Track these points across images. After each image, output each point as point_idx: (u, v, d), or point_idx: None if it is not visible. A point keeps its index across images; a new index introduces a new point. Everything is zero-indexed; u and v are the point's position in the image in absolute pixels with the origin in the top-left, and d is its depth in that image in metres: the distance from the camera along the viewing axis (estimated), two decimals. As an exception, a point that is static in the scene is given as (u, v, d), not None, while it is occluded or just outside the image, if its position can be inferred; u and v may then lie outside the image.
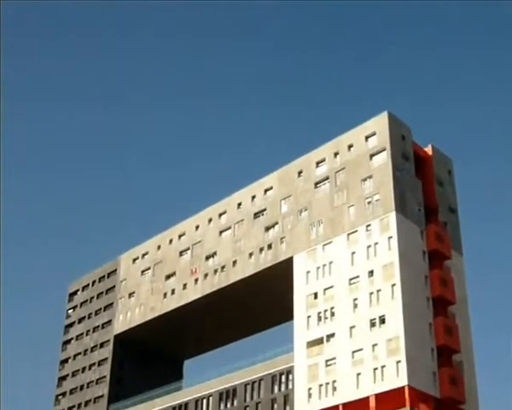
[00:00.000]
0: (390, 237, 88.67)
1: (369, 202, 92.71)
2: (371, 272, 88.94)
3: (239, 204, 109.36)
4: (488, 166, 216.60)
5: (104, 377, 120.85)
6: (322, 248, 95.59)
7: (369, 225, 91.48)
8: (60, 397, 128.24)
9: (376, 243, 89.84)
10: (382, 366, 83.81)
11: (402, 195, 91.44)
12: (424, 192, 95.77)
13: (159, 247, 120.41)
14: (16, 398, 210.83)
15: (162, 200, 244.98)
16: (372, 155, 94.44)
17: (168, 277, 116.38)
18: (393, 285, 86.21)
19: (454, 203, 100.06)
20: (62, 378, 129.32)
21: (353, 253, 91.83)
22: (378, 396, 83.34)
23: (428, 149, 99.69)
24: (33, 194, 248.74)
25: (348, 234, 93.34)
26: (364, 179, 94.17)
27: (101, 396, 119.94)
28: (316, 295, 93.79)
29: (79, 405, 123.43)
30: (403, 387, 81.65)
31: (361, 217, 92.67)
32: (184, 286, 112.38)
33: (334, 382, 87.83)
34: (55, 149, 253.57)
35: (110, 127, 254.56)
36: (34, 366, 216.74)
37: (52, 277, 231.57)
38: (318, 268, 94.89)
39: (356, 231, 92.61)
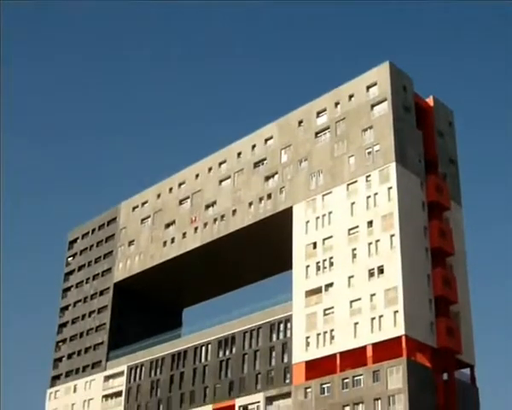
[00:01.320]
0: (390, 188, 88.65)
1: (369, 153, 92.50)
2: (370, 223, 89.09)
3: (239, 153, 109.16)
4: (489, 118, 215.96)
5: (104, 324, 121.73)
6: (321, 199, 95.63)
7: (368, 176, 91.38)
8: (60, 344, 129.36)
9: (376, 194, 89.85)
10: (380, 316, 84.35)
11: (402, 145, 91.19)
12: (424, 143, 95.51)
13: (158, 195, 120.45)
14: (17, 345, 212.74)
15: (162, 148, 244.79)
16: (373, 106, 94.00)
17: (168, 225, 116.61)
18: (392, 236, 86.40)
19: (454, 155, 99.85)
20: (62, 325, 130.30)
21: (353, 203, 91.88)
22: (375, 346, 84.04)
23: (430, 100, 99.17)
24: (33, 142, 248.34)
25: (348, 184, 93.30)
26: (365, 130, 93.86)
27: (101, 343, 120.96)
28: (315, 245, 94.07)
29: (79, 351, 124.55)
30: (400, 337, 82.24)
31: (361, 167, 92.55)
32: (184, 235, 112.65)
33: (331, 331, 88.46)
34: (55, 94, 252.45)
35: (109, 74, 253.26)
36: (35, 313, 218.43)
37: (52, 225, 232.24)
38: (318, 218, 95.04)
39: (356, 181, 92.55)
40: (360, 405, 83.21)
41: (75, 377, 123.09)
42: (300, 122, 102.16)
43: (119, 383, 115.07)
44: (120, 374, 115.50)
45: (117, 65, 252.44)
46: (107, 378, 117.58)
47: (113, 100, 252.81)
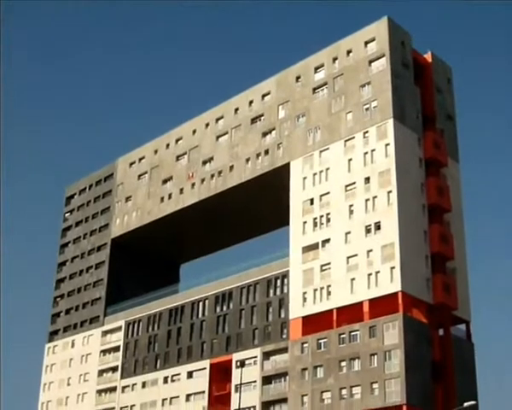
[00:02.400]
0: (387, 144, 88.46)
1: (366, 109, 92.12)
2: (367, 179, 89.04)
3: (236, 109, 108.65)
4: (487, 74, 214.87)
5: (101, 279, 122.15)
6: (318, 155, 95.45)
7: (366, 132, 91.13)
8: (58, 299, 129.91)
9: (373, 150, 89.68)
10: (377, 272, 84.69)
11: (400, 102, 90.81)
12: (422, 99, 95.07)
13: (155, 151, 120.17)
14: (16, 300, 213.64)
15: (159, 104, 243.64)
16: (371, 61, 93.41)
17: (165, 181, 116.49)
18: (389, 192, 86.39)
19: (452, 111, 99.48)
20: (60, 281, 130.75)
21: (350, 159, 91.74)
22: (372, 301, 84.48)
23: (428, 56, 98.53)
24: (31, 92, 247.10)
25: (345, 140, 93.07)
26: (363, 85, 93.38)
27: (99, 299, 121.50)
28: (312, 201, 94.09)
29: (77, 307, 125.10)
30: (396, 292, 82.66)
31: (358, 123, 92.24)
32: (181, 191, 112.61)
33: (328, 286, 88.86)
34: (54, 42, 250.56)
35: (109, 25, 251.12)
36: (32, 268, 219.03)
37: (49, 180, 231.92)
38: (315, 174, 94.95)
39: (353, 137, 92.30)
40: (356, 360, 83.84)
41: (73, 332, 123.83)
42: (298, 78, 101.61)
43: (117, 339, 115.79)
44: (118, 329, 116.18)
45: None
46: (104, 333, 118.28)
47: (112, 56, 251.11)
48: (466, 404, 50.96)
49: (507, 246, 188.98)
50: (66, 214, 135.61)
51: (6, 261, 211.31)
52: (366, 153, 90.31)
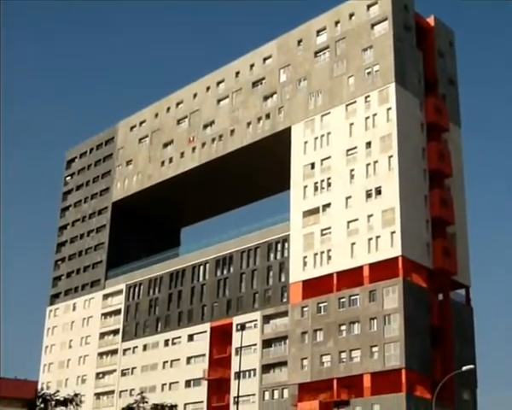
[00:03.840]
0: (389, 109, 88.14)
1: (368, 73, 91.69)
2: (369, 144, 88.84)
3: (237, 73, 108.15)
4: (489, 39, 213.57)
5: (102, 243, 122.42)
6: (320, 119, 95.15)
7: (368, 96, 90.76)
8: (59, 263, 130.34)
9: (375, 115, 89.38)
10: (377, 237, 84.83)
11: (402, 66, 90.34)
12: (424, 64, 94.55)
13: (156, 115, 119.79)
14: (18, 263, 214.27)
15: (160, 67, 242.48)
16: (373, 25, 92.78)
17: (165, 145, 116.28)
18: (390, 157, 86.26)
19: (454, 76, 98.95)
20: (61, 244, 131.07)
21: (351, 124, 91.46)
22: (372, 266, 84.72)
23: (430, 20, 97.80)
24: (31, 55, 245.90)
25: (347, 105, 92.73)
26: (365, 49, 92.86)
27: (100, 262, 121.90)
28: (313, 166, 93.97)
29: (78, 270, 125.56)
30: (396, 257, 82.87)
31: (360, 88, 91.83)
32: (182, 155, 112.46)
33: (328, 251, 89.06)
34: (53, 12, 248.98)
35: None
36: (33, 232, 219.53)
37: (50, 144, 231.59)
38: (316, 139, 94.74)
39: (355, 101, 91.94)
40: (356, 324, 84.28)
41: (74, 295, 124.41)
42: (300, 41, 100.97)
43: (118, 302, 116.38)
44: (119, 293, 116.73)
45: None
46: (105, 297, 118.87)
47: (113, 18, 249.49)
48: (464, 368, 51.29)
49: (507, 211, 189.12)
50: (67, 178, 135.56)
51: (7, 225, 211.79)
52: (367, 117, 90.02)
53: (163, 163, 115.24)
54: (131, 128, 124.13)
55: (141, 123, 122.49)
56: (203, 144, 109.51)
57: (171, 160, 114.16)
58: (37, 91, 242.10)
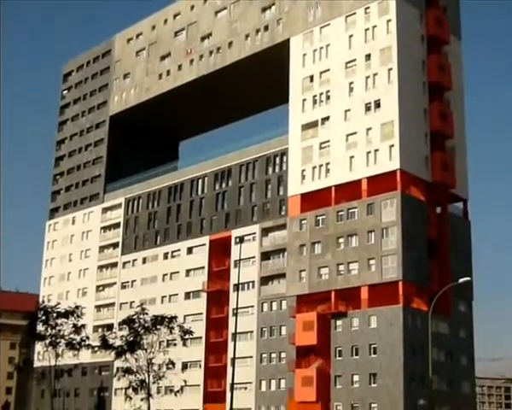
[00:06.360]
0: (389, 21, 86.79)
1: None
2: (368, 56, 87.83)
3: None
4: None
5: (101, 157, 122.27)
6: (319, 31, 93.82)
7: (367, 8, 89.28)
8: (57, 177, 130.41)
9: (375, 27, 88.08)
10: (375, 150, 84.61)
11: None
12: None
13: (153, 27, 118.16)
14: (17, 176, 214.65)
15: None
16: None
17: (163, 58, 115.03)
18: (390, 70, 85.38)
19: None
20: (59, 159, 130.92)
21: (351, 36, 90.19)
22: (370, 179, 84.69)
23: None
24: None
25: (346, 16, 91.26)
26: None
27: (98, 176, 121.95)
28: (312, 78, 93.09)
29: (77, 184, 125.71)
30: (395, 170, 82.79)
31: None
32: (179, 67, 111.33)
33: (327, 164, 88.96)
34: None
35: None
36: (32, 146, 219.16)
37: (46, 57, 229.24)
38: (315, 51, 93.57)
39: (354, 13, 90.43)
40: (354, 237, 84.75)
41: (73, 209, 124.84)
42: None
43: (117, 215, 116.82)
44: (118, 206, 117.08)
45: None
46: (104, 210, 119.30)
47: None
48: (461, 280, 51.55)
49: (506, 125, 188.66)
50: (64, 92, 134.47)
51: (6, 139, 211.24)
52: (367, 29, 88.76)
53: (160, 76, 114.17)
54: (128, 41, 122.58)
55: (138, 35, 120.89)
56: (201, 57, 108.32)
57: (168, 72, 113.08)
58: (34, 3, 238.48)
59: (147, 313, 54.16)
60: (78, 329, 56.59)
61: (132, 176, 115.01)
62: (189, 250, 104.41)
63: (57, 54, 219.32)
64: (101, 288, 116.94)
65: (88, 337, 57.25)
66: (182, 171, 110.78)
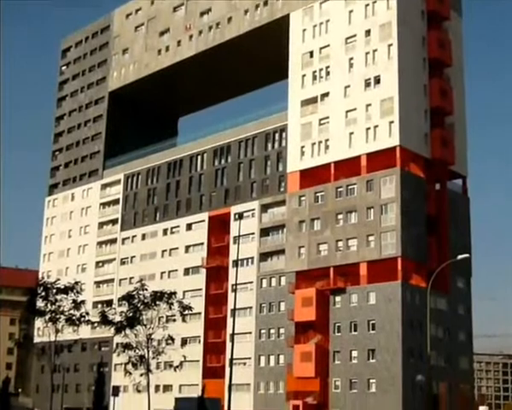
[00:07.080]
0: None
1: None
2: (368, 32, 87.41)
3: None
4: None
5: (100, 133, 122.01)
6: (319, 6, 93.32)
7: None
8: (56, 153, 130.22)
9: (375, 2, 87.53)
10: (375, 126, 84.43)
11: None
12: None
13: (152, 2, 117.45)
14: (16, 152, 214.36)
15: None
16: None
17: (162, 33, 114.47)
18: (390, 45, 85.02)
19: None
20: (58, 135, 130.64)
21: (351, 11, 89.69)
22: (369, 155, 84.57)
23: None
24: None
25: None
26: None
27: (97, 152, 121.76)
28: (311, 54, 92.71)
29: (76, 160, 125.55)
30: (394, 147, 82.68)
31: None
32: (178, 43, 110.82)
33: (326, 140, 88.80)
34: None
35: None
36: (31, 123, 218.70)
37: (45, 32, 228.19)
38: (315, 26, 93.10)
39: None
40: (353, 213, 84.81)
41: (72, 185, 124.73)
42: None
43: (116, 192, 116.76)
44: (117, 182, 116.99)
45: None
46: (104, 187, 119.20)
47: None
48: (459, 257, 51.59)
49: (505, 104, 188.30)
50: (63, 68, 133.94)
51: (6, 115, 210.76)
52: (367, 5, 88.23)
53: (159, 52, 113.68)
54: (127, 16, 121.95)
55: (137, 11, 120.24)
56: (200, 32, 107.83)
57: (167, 48, 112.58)
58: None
59: (146, 289, 54.35)
60: (77, 305, 56.90)
61: (131, 152, 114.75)
62: (189, 226, 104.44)
63: (56, 29, 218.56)
64: (100, 264, 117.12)
65: (87, 313, 57.59)
66: (181, 147, 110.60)
